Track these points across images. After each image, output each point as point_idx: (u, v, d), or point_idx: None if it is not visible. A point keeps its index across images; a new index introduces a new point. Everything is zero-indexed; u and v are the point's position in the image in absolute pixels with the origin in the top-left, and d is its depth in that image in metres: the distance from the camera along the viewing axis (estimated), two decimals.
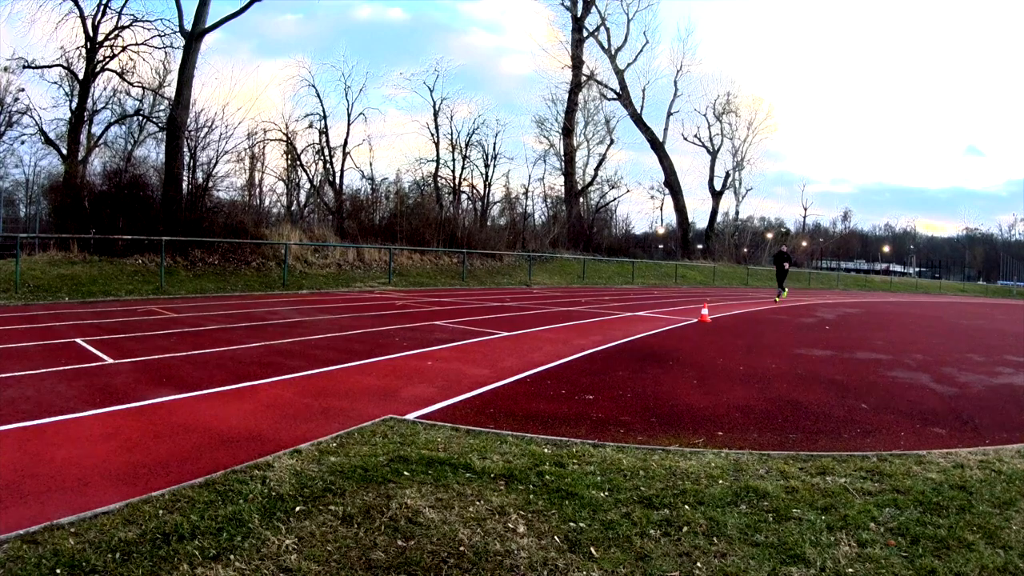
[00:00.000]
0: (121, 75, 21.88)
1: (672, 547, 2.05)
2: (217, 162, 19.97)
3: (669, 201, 43.29)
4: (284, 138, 28.21)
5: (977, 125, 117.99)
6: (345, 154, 28.35)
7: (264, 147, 28.20)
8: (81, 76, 21.01)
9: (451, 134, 31.78)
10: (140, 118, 23.92)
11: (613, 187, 39.16)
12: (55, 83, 22.34)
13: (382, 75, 59.56)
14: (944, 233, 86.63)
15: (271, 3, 43.39)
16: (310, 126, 28.51)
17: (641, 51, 38.73)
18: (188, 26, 20.05)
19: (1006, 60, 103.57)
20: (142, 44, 21.46)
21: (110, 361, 5.31)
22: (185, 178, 19.10)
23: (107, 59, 21.24)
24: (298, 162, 28.99)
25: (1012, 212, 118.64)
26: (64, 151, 22.20)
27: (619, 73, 38.54)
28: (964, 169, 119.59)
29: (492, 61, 72.73)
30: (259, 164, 28.34)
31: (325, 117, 28.30)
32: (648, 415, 4.01)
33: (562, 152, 37.33)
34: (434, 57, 67.37)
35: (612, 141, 38.52)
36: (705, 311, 10.87)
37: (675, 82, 40.21)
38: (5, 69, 21.39)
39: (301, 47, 78.64)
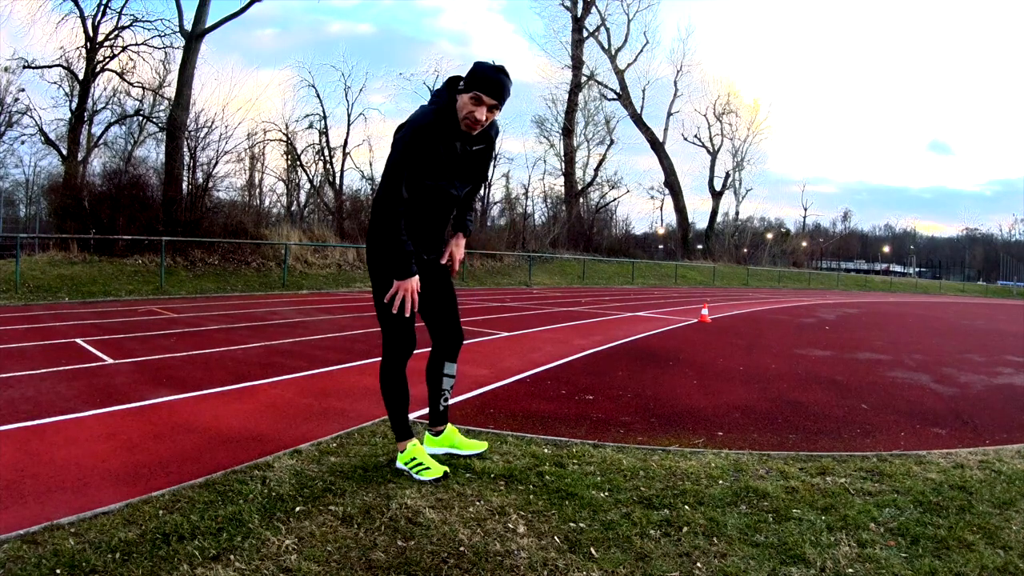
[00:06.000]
0: (121, 75, 21.90)
1: (672, 547, 2.05)
2: (217, 162, 19.95)
3: (669, 201, 43.37)
4: (284, 138, 28.24)
5: (963, 124, 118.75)
6: (345, 154, 28.39)
7: (264, 147, 28.24)
8: (81, 76, 21.02)
9: None
10: (140, 118, 23.95)
11: (613, 187, 39.24)
12: (55, 83, 22.37)
13: (381, 75, 59.93)
14: (942, 233, 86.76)
15: (250, 16, 43.29)
16: (310, 126, 28.56)
17: (641, 51, 38.85)
18: (188, 26, 20.08)
19: (998, 59, 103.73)
20: (142, 44, 21.50)
21: (110, 361, 5.31)
22: (185, 178, 19.09)
23: (107, 59, 21.27)
24: (298, 162, 29.02)
25: (1012, 213, 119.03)
26: (64, 151, 22.22)
27: (619, 73, 38.58)
28: (943, 169, 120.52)
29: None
30: (259, 164, 28.38)
31: (325, 117, 28.34)
32: (648, 415, 4.01)
33: (562, 152, 37.38)
34: (434, 57, 67.53)
35: (612, 141, 38.59)
36: (705, 311, 10.87)
37: (675, 82, 40.31)
38: (5, 69, 21.41)
39: (280, 59, 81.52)
